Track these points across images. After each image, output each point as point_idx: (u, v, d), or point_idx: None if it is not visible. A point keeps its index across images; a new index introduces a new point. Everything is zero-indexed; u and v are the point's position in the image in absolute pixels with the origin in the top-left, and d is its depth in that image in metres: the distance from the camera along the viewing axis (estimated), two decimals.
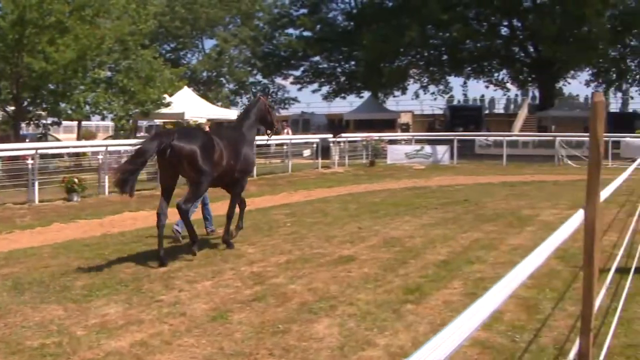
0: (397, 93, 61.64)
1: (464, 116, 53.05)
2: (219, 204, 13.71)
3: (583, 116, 39.16)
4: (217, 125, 26.07)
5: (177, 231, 11.51)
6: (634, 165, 9.19)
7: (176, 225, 11.46)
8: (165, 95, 31.64)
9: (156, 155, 9.94)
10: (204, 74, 57.95)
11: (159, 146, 9.69)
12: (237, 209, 11.33)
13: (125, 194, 9.49)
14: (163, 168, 10.22)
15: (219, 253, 10.46)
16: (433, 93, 59.85)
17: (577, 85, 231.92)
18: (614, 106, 66.50)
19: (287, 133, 39.95)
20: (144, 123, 45.58)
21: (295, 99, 66.51)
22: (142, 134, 44.08)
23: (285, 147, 30.05)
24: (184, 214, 10.07)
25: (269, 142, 23.75)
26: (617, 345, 5.83)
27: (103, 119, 33.25)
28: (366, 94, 60.30)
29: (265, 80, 64.47)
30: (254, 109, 11.71)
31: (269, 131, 12.24)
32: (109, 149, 21.80)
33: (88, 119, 35.59)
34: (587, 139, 3.53)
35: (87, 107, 27.68)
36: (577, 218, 3.50)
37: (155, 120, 42.69)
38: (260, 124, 12.04)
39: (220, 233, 11.54)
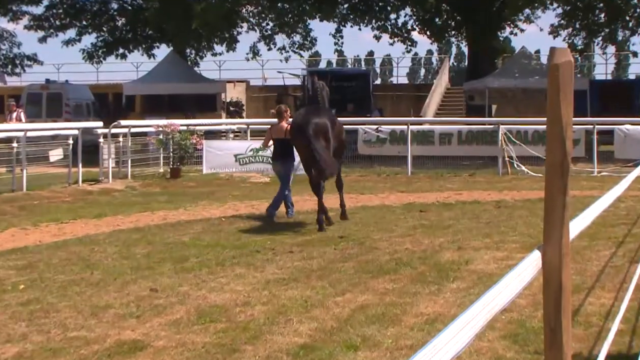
0: (219, 49, 62.10)
1: (339, 88, 53.26)
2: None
3: (545, 88, 40.38)
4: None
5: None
6: (637, 171, 9.18)
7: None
8: None
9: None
10: None
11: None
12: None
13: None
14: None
15: None
16: (283, 48, 60.05)
17: (535, 35, 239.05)
18: (602, 70, 69.25)
19: (19, 120, 39.27)
20: None
21: (34, 58, 65.65)
22: None
23: (15, 144, 29.21)
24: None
25: None
26: None
27: None
28: (164, 51, 60.31)
29: None
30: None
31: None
32: None
33: None
34: None
35: None
36: (530, 265, 3.58)
37: None
38: None
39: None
